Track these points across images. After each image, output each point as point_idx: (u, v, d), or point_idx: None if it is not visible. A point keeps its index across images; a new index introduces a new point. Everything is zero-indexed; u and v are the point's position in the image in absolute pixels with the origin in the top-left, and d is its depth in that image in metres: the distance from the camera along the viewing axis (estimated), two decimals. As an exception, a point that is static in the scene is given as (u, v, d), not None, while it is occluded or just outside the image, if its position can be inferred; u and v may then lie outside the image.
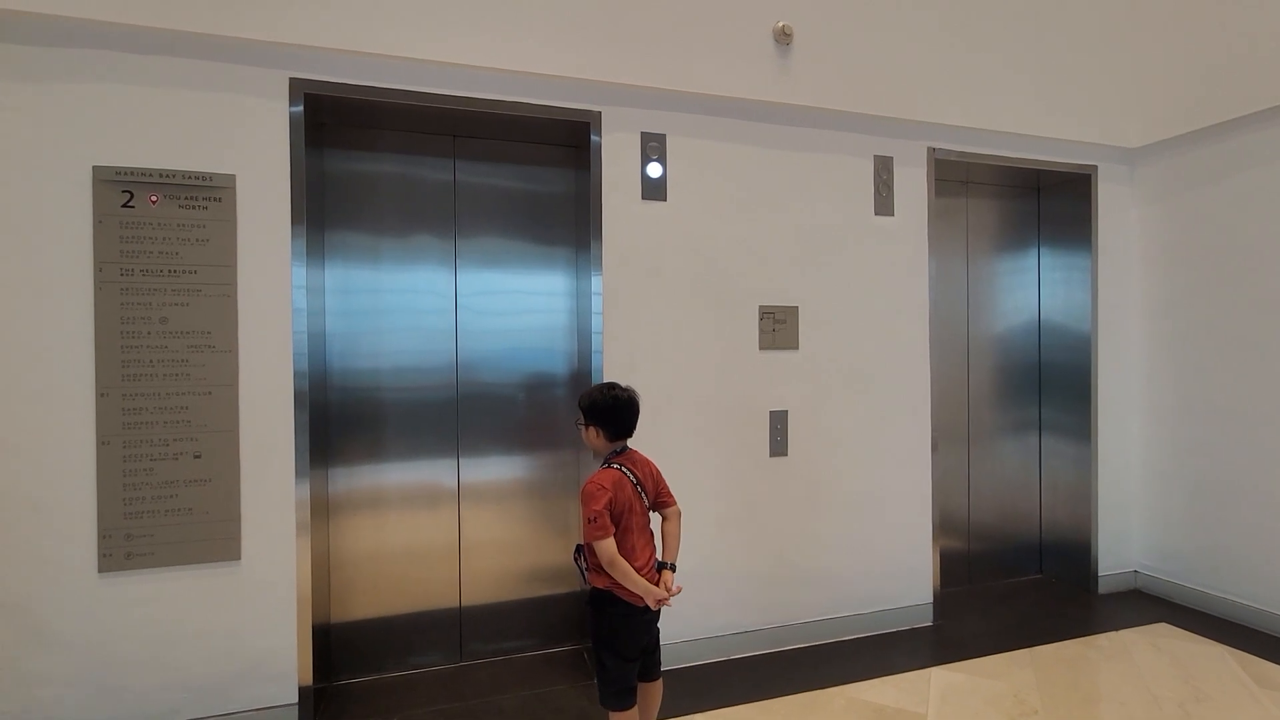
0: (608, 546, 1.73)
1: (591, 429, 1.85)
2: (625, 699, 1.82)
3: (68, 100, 2.05)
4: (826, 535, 2.88)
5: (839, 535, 2.90)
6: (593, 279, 2.56)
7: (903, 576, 3.00)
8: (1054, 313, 3.57)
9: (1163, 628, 2.98)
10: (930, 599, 3.04)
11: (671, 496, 1.94)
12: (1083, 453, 3.41)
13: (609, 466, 1.83)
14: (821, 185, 2.87)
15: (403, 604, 2.63)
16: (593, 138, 2.56)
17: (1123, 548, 3.45)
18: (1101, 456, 3.38)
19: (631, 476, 1.82)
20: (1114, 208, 3.42)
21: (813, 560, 2.86)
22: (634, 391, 1.88)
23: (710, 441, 2.71)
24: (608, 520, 1.73)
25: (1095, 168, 3.37)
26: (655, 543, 1.90)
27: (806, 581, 2.85)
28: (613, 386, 1.87)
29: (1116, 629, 2.97)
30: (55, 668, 2.04)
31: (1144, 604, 3.27)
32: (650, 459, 1.95)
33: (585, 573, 1.84)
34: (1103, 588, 3.40)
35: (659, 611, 1.84)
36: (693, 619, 2.67)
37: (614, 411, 1.83)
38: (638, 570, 1.77)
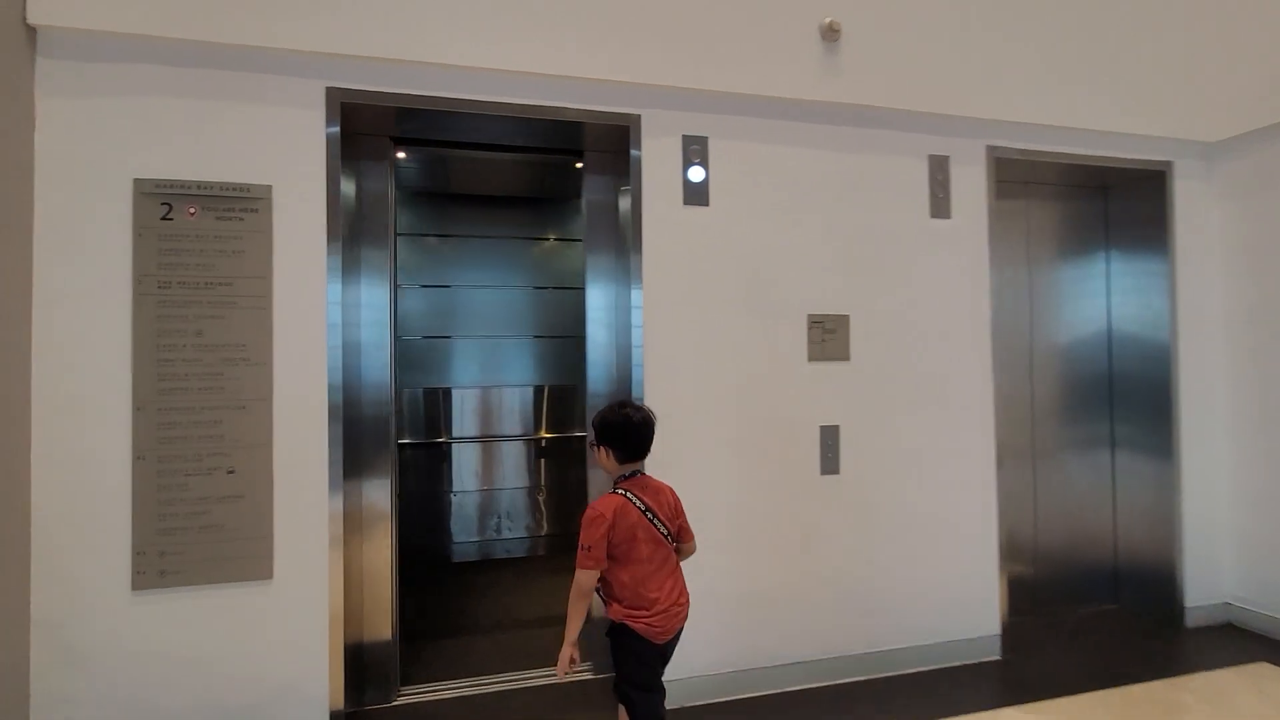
0: (585, 578, 1.68)
1: (602, 449, 1.78)
2: None
3: (109, 114, 2.06)
4: (883, 559, 2.68)
5: (896, 560, 2.70)
6: (632, 288, 2.45)
7: (967, 606, 2.78)
8: (1126, 322, 3.32)
9: (1264, 668, 2.68)
10: (998, 630, 2.80)
11: (690, 534, 1.86)
12: (1164, 472, 3.13)
13: (614, 492, 1.76)
14: (873, 187, 2.71)
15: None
16: (632, 142, 2.47)
17: (1212, 577, 3.14)
18: (1186, 476, 3.10)
19: (639, 503, 1.73)
20: (1192, 207, 3.17)
21: (868, 586, 2.66)
22: (649, 411, 1.81)
23: (756, 458, 2.55)
24: (601, 553, 1.67)
25: (1170, 164, 3.13)
26: (680, 571, 1.82)
27: (862, 609, 2.65)
28: (624, 405, 1.81)
29: (1210, 668, 2.69)
30: (86, 687, 2.00)
31: (1239, 640, 2.96)
32: (668, 486, 1.86)
33: (606, 603, 1.77)
34: (1190, 621, 3.09)
35: (673, 643, 1.79)
36: (741, 649, 2.51)
37: (624, 431, 1.76)
38: (656, 604, 1.71)
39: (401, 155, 3.40)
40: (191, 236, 2.11)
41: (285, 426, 2.16)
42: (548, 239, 4.44)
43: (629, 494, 1.74)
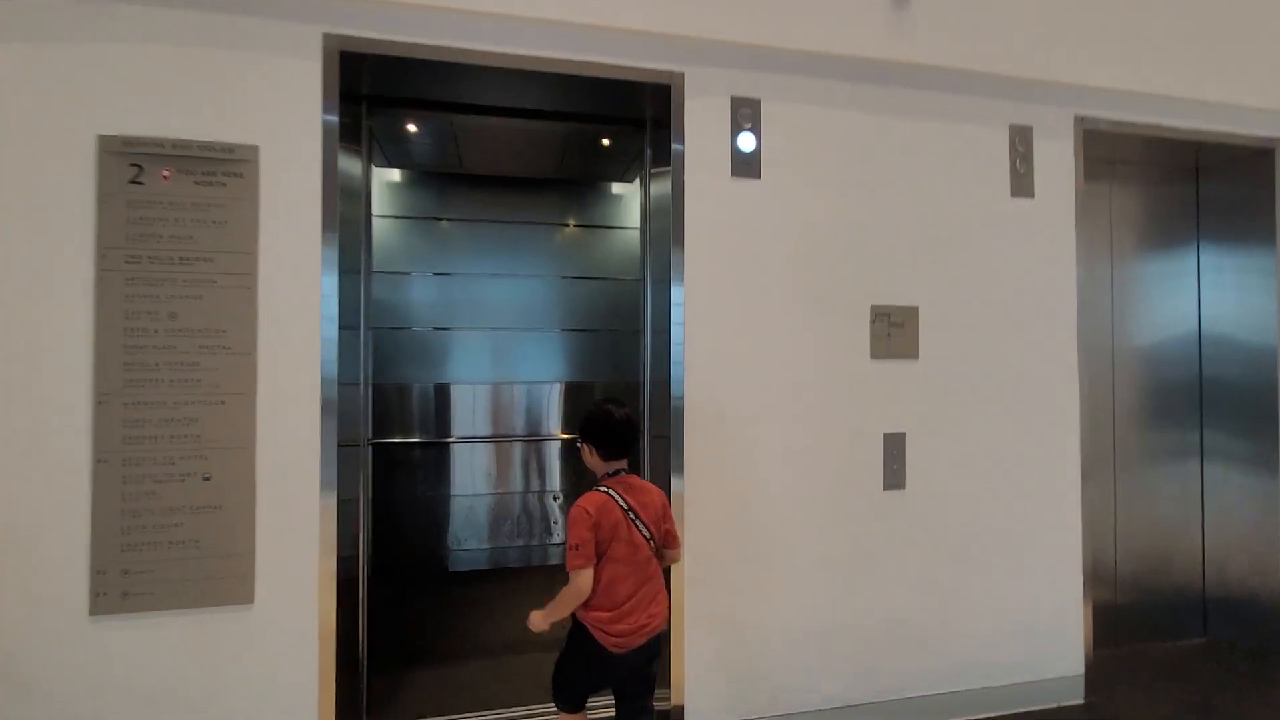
0: (581, 580, 1.62)
1: (586, 447, 1.77)
2: (574, 703, 1.74)
3: (71, 61, 1.76)
4: (952, 587, 2.34)
5: (968, 587, 2.36)
6: (672, 272, 2.14)
7: (1046, 639, 2.43)
8: (1220, 322, 2.95)
9: (1395, 720, 2.32)
10: (1081, 669, 2.45)
11: (676, 540, 1.80)
12: (1266, 487, 2.77)
13: (596, 489, 1.71)
14: (947, 161, 2.37)
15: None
16: (674, 104, 2.15)
17: (1320, 610, 2.77)
18: (1292, 495, 2.73)
19: (622, 502, 1.69)
20: (1301, 190, 2.79)
21: (935, 617, 2.32)
22: (631, 411, 1.79)
23: (810, 469, 2.23)
24: (590, 550, 1.62)
25: (1277, 141, 2.76)
26: (660, 581, 1.74)
27: (927, 644, 2.32)
28: (607, 402, 1.80)
29: (1332, 719, 2.33)
30: (36, 728, 1.72)
31: (1355, 683, 2.59)
32: (657, 488, 1.80)
33: None
34: (1294, 659, 2.73)
35: (637, 657, 1.68)
36: (789, 687, 2.18)
37: (605, 429, 1.75)
38: (623, 607, 1.65)
39: (412, 128, 3.11)
40: (165, 204, 1.81)
41: (270, 427, 1.86)
42: (568, 224, 4.11)
43: (612, 492, 1.70)
